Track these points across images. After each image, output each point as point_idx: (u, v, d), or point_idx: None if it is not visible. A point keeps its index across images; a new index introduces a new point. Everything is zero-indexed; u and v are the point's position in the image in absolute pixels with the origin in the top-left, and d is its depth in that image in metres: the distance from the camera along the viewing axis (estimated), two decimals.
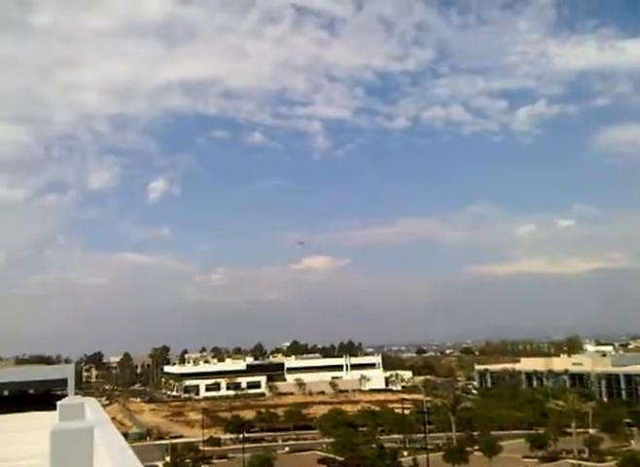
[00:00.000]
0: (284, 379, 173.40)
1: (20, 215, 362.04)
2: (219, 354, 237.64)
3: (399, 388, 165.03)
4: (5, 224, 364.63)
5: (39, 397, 49.10)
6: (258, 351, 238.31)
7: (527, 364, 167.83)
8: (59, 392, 49.94)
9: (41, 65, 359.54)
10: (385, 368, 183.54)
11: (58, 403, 11.36)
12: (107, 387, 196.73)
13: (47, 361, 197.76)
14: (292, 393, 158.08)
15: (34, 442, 14.69)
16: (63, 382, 48.78)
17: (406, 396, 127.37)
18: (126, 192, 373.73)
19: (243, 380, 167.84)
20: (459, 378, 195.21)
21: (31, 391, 51.21)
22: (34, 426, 22.19)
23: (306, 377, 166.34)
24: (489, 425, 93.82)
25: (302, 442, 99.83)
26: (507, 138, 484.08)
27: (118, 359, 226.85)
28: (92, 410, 10.29)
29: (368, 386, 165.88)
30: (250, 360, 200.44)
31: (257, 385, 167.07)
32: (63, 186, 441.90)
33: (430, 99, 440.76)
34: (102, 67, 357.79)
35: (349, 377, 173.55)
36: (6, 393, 48.76)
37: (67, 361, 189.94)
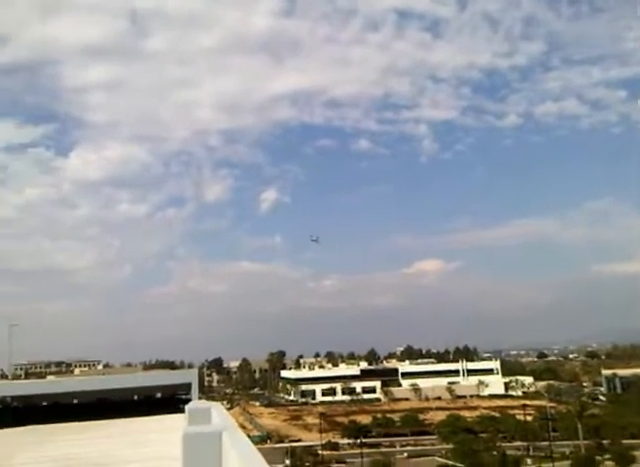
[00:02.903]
0: (399, 385, 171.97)
1: (144, 229, 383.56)
2: (333, 359, 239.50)
3: (519, 394, 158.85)
4: (131, 238, 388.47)
5: (165, 401, 51.79)
6: (371, 356, 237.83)
7: None
8: (184, 396, 52.49)
9: (157, 86, 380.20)
10: (504, 373, 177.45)
11: (186, 407, 11.77)
12: (228, 391, 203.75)
13: (171, 366, 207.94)
14: (407, 398, 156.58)
15: (164, 444, 15.38)
16: (188, 387, 51.14)
17: (527, 402, 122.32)
18: (239, 202, 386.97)
19: (358, 385, 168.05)
20: (584, 384, 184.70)
21: (158, 395, 54.20)
22: (163, 429, 23.28)
23: (421, 383, 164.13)
24: (620, 433, 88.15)
25: (420, 447, 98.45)
26: (627, 129, 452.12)
27: (237, 364, 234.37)
28: (219, 414, 10.54)
29: (486, 392, 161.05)
30: (364, 365, 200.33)
31: (372, 390, 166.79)
32: (181, 200, 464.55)
33: (542, 94, 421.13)
34: (213, 84, 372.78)
35: (466, 383, 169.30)
36: (135, 397, 51.87)
37: (190, 366, 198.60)
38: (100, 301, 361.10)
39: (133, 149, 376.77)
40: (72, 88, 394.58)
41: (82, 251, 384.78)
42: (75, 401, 48.49)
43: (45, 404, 47.89)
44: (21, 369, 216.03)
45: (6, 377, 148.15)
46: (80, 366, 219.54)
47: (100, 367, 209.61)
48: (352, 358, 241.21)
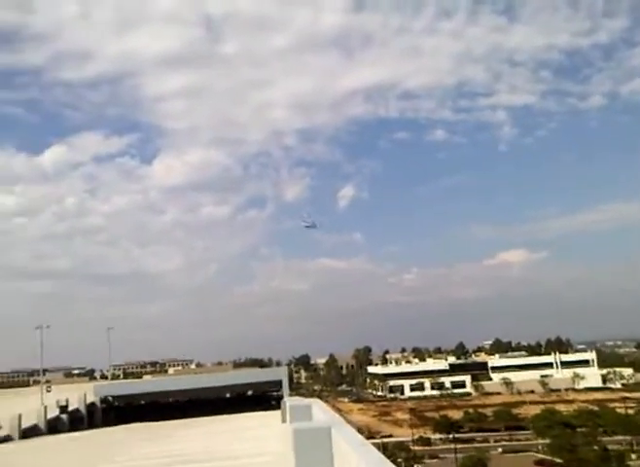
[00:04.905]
0: (489, 379, 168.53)
1: (227, 230, 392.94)
2: (420, 354, 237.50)
3: (618, 386, 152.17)
4: (215, 239, 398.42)
5: (257, 398, 53.02)
6: (459, 350, 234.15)
7: None
8: (275, 393, 53.56)
9: (233, 90, 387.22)
10: (600, 365, 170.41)
11: (287, 404, 12.05)
12: (316, 388, 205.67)
13: (260, 364, 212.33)
14: (499, 393, 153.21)
15: (265, 439, 15.80)
16: (278, 384, 52.22)
17: (628, 395, 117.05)
18: (317, 201, 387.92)
19: (446, 380, 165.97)
20: None
21: (250, 392, 55.48)
22: (261, 425, 23.88)
23: (513, 376, 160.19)
24: None
25: (514, 442, 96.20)
26: None
27: (324, 360, 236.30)
28: (322, 410, 10.77)
29: (582, 385, 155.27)
30: (452, 359, 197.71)
31: (461, 385, 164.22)
32: (261, 201, 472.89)
33: (628, 71, 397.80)
34: (287, 84, 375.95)
35: (560, 376, 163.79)
36: (228, 395, 53.32)
37: (278, 363, 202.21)
38: (188, 302, 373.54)
39: (213, 153, 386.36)
40: (153, 97, 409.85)
41: (169, 254, 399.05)
42: (171, 399, 50.51)
43: (143, 403, 50.28)
44: (119, 369, 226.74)
45: (105, 378, 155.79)
46: (174, 365, 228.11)
47: (193, 366, 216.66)
48: (439, 352, 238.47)
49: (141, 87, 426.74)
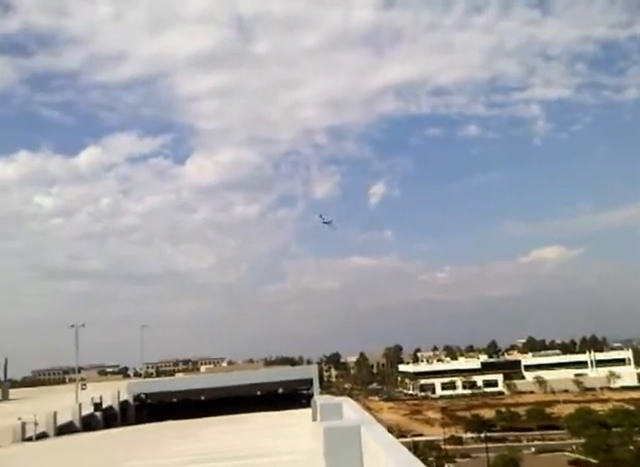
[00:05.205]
0: (522, 377, 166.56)
1: (258, 229, 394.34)
2: (451, 352, 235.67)
3: None
4: (246, 237, 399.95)
5: (287, 396, 53.18)
6: (492, 349, 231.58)
7: None
8: (305, 391, 53.66)
9: (265, 89, 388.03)
10: (637, 363, 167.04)
11: (318, 403, 12.02)
12: (346, 386, 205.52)
13: (291, 362, 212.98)
14: (532, 391, 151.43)
15: (298, 437, 15.83)
16: (309, 382, 52.30)
17: None
18: (347, 199, 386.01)
19: (479, 379, 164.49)
20: None
21: (280, 391, 55.67)
22: (293, 423, 23.95)
23: (546, 375, 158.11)
24: None
25: (548, 442, 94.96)
26: None
27: (354, 358, 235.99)
28: (352, 409, 10.72)
29: (618, 384, 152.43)
30: (484, 358, 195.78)
31: (493, 384, 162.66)
32: (292, 199, 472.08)
33: None
34: (318, 82, 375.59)
35: (595, 375, 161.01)
36: (258, 393, 53.59)
37: (309, 362, 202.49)
38: (220, 300, 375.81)
39: (245, 152, 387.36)
40: (186, 97, 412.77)
41: (201, 253, 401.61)
42: (202, 397, 50.90)
43: (175, 401, 50.83)
44: (152, 367, 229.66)
45: (139, 376, 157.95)
46: (205, 363, 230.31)
47: (224, 364, 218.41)
48: (471, 351, 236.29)
49: (174, 87, 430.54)
